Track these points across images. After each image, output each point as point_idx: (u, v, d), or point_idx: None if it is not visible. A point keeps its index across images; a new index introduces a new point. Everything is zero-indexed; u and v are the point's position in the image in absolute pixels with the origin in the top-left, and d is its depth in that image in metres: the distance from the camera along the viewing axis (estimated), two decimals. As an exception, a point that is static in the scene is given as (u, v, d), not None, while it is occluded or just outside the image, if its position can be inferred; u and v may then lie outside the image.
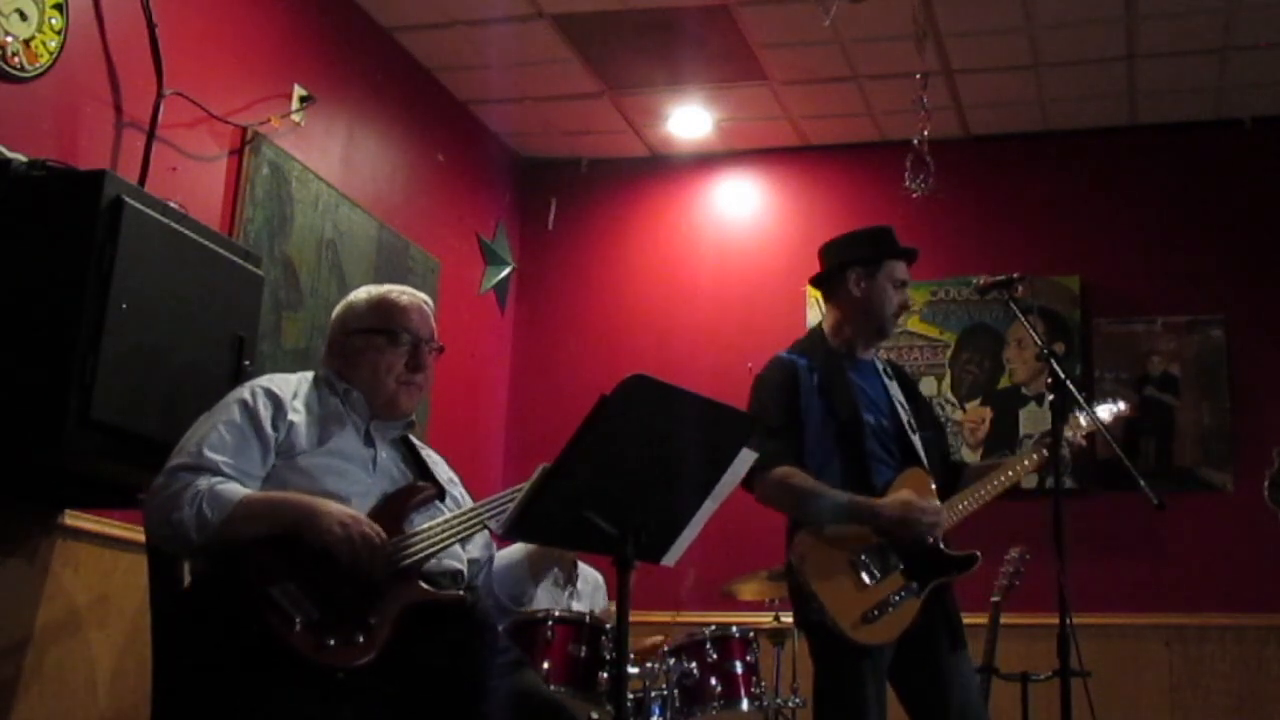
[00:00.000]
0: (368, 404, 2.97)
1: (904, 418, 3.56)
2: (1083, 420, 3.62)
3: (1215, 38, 5.42)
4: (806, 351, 3.60)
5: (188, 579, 2.81)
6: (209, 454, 2.69)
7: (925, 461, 3.52)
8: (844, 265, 3.63)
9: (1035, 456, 3.55)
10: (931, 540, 3.38)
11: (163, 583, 2.81)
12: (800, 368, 3.53)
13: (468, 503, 3.06)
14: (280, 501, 2.70)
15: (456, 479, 3.15)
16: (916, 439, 3.55)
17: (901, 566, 3.35)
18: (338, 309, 3.12)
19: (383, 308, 3.03)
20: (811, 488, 3.36)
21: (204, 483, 2.65)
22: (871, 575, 3.33)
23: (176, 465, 2.70)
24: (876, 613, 3.29)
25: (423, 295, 3.12)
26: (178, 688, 2.66)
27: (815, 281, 3.74)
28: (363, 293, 3.10)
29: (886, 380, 3.65)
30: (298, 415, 2.85)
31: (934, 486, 3.48)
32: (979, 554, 3.40)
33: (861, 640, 3.27)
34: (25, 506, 3.66)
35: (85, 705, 3.83)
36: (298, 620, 2.54)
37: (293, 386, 2.92)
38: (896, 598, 3.32)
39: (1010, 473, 3.51)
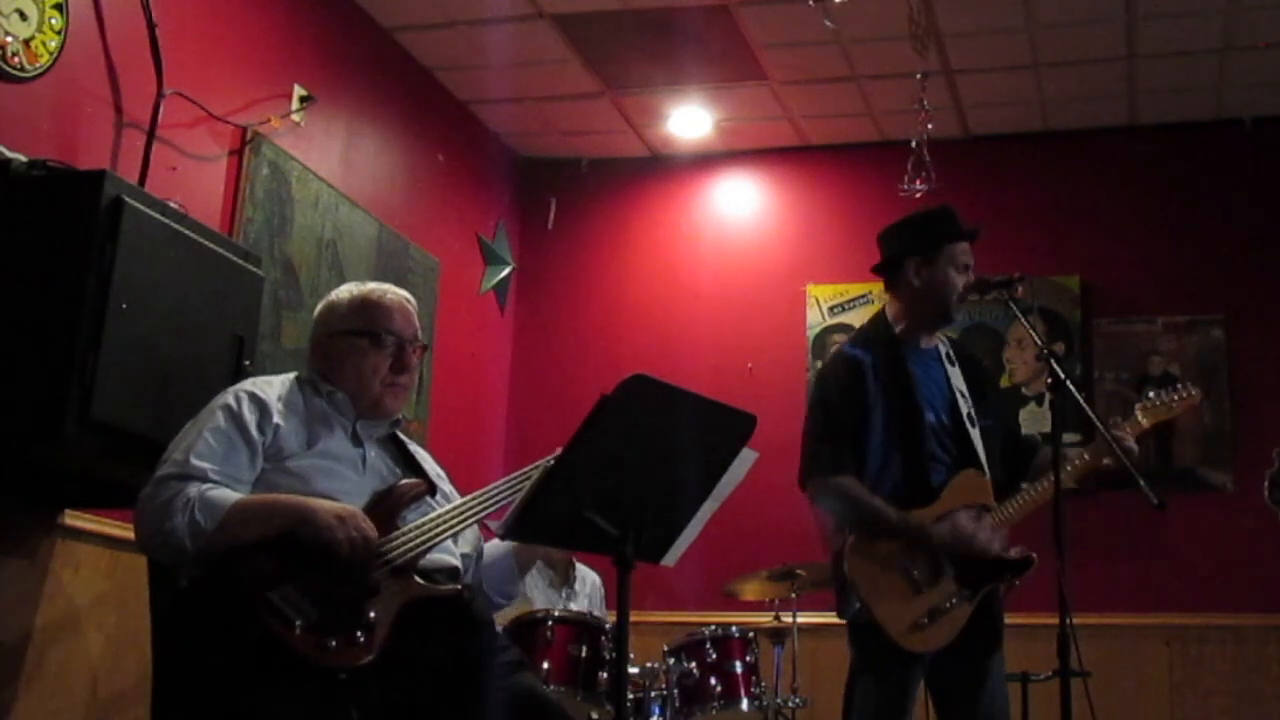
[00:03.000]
0: (353, 405, 2.94)
1: (964, 410, 3.51)
2: (1139, 415, 3.56)
3: (1215, 38, 5.42)
4: (870, 344, 3.54)
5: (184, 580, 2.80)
6: (196, 461, 2.67)
7: (983, 459, 3.48)
8: (902, 254, 3.56)
9: (1087, 456, 3.48)
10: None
11: (162, 584, 2.80)
12: (865, 365, 3.47)
13: (456, 498, 3.04)
14: (273, 503, 2.68)
15: (444, 475, 3.13)
16: (975, 433, 3.50)
17: (954, 573, 3.34)
18: (319, 308, 3.07)
19: (365, 309, 2.98)
20: (868, 504, 3.34)
21: (194, 490, 2.62)
22: (924, 582, 3.32)
23: (164, 475, 2.67)
24: (927, 620, 3.28)
25: (404, 293, 3.07)
26: (179, 691, 2.66)
27: (875, 270, 3.67)
28: (344, 292, 3.04)
29: (948, 367, 3.59)
30: (283, 418, 2.82)
31: (990, 486, 3.45)
32: (1034, 556, 3.38)
33: (911, 648, 3.27)
34: (25, 506, 3.66)
35: (85, 705, 3.83)
36: (298, 623, 2.53)
37: (276, 389, 2.88)
38: (949, 604, 3.31)
39: (1065, 474, 3.41)
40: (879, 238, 3.67)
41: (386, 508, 2.78)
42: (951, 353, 3.65)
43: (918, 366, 3.53)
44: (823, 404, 3.48)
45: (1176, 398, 3.62)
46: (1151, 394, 3.66)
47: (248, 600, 2.54)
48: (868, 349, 3.52)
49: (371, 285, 3.07)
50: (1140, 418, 3.58)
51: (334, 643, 2.54)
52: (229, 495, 2.65)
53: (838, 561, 3.38)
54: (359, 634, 2.58)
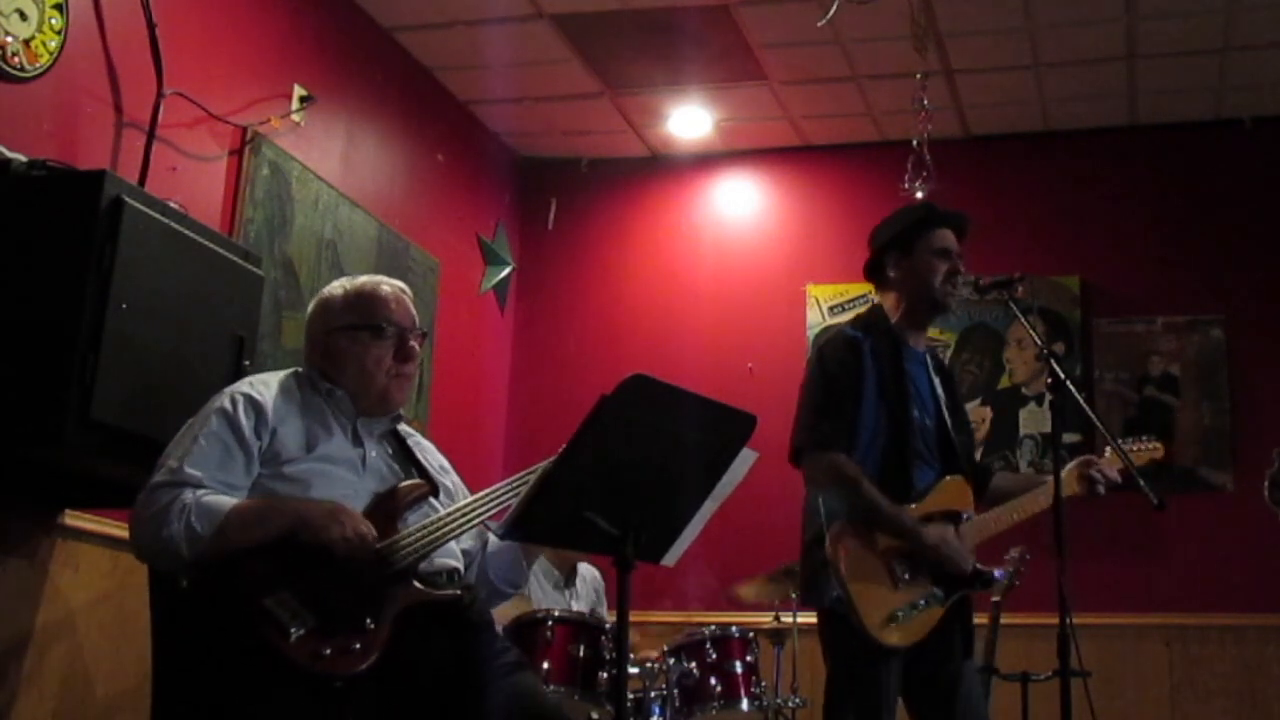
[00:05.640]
0: (354, 402, 2.91)
1: (947, 419, 3.53)
2: (1109, 456, 3.65)
3: (1215, 38, 5.42)
4: (869, 330, 3.53)
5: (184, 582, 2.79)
6: (189, 470, 2.65)
7: (963, 469, 3.50)
8: (881, 251, 3.58)
9: (1071, 479, 3.52)
10: None
11: (162, 585, 2.80)
12: (864, 346, 3.47)
13: (461, 490, 3.02)
14: (269, 507, 2.66)
15: (449, 466, 3.10)
16: (958, 442, 3.52)
17: (931, 575, 3.36)
18: (313, 306, 3.04)
19: (363, 301, 2.96)
20: (864, 487, 3.33)
21: (189, 496, 2.60)
22: (902, 578, 3.33)
23: (158, 482, 2.65)
24: (901, 615, 3.29)
25: (398, 283, 3.04)
26: (178, 693, 2.65)
27: (865, 273, 3.68)
28: (338, 288, 3.01)
29: (932, 375, 3.60)
30: (281, 421, 2.79)
31: (972, 497, 3.47)
32: (995, 573, 3.42)
33: (885, 641, 3.27)
34: (25, 506, 3.65)
35: (85, 705, 3.83)
36: (293, 631, 2.51)
37: (274, 389, 2.85)
38: (922, 602, 3.32)
39: (1044, 497, 3.47)
40: (869, 242, 3.69)
41: (387, 511, 2.77)
42: (937, 366, 3.68)
43: (909, 364, 3.54)
44: (823, 377, 3.45)
45: (1140, 449, 3.72)
46: (1120, 441, 3.71)
47: (243, 606, 2.52)
48: (867, 333, 3.52)
49: (364, 278, 3.04)
50: (1111, 458, 3.65)
51: (329, 650, 2.52)
52: (225, 501, 2.62)
53: (817, 544, 3.36)
54: (355, 641, 2.56)
